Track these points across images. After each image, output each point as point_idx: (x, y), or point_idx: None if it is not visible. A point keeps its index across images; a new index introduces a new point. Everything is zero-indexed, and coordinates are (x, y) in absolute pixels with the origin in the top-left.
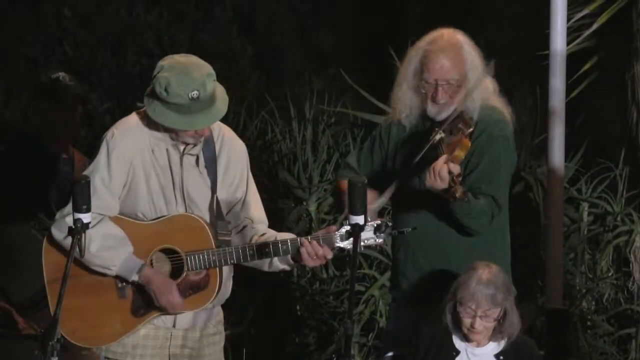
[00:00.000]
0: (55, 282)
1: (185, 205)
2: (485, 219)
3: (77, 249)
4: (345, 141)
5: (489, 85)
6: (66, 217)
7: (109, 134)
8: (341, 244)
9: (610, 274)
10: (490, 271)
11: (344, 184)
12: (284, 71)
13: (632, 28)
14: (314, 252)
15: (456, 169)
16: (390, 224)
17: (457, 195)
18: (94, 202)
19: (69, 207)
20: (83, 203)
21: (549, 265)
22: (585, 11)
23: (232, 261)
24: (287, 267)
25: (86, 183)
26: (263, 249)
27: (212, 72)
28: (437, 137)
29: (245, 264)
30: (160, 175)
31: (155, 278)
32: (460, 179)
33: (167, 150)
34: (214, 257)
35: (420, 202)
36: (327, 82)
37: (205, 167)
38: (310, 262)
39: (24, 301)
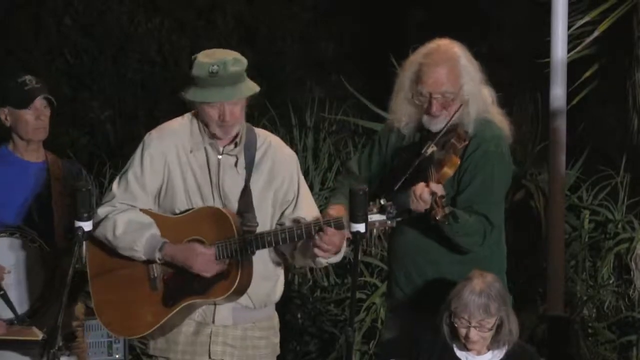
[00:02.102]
0: (97, 277)
1: (222, 203)
2: (476, 237)
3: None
4: (346, 149)
5: (487, 96)
6: (98, 209)
7: (147, 134)
8: (373, 218)
9: (611, 281)
10: (485, 281)
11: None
12: (285, 79)
13: (633, 36)
14: (329, 239)
15: (439, 189)
16: (392, 210)
17: (438, 217)
18: (124, 195)
19: (104, 198)
20: (84, 211)
21: (550, 272)
22: (586, 19)
23: (252, 249)
24: (315, 262)
25: (87, 191)
26: (280, 235)
27: (242, 60)
28: (429, 151)
29: (293, 262)
30: (198, 173)
31: (178, 249)
32: (443, 200)
33: (205, 149)
34: (235, 246)
35: (413, 216)
36: (328, 89)
37: (245, 168)
38: (321, 252)
39: (26, 312)
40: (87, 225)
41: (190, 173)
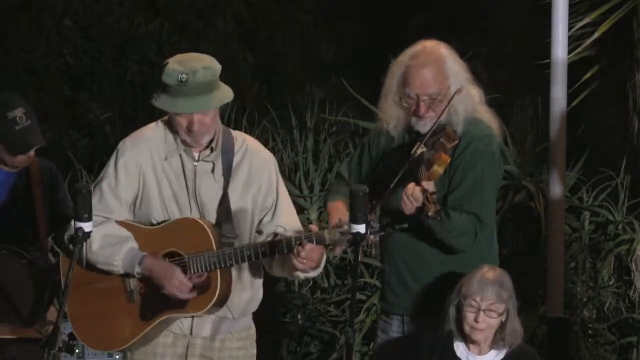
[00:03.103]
0: (73, 290)
1: (200, 212)
2: (467, 237)
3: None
4: (346, 150)
5: (475, 95)
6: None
7: (121, 142)
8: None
9: (611, 283)
10: (496, 270)
11: (332, 206)
12: (285, 80)
13: (633, 37)
14: (308, 255)
15: (430, 186)
16: (375, 224)
17: (430, 213)
18: (98, 206)
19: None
20: (84, 212)
21: (550, 273)
22: (587, 20)
23: (230, 262)
24: (293, 275)
25: (87, 192)
26: (260, 249)
27: (214, 67)
28: (418, 151)
29: (270, 272)
30: (174, 181)
31: (156, 265)
32: (434, 196)
33: (180, 156)
34: (213, 259)
35: (403, 216)
36: (328, 91)
37: (222, 175)
38: (299, 265)
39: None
40: (87, 226)
41: (166, 181)
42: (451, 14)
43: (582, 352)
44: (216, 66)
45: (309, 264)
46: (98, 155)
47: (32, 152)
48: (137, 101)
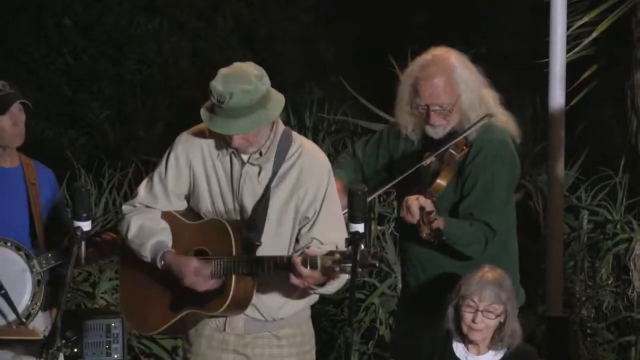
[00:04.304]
0: (125, 268)
1: (240, 213)
2: (476, 246)
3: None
4: (345, 149)
5: (489, 99)
6: (123, 205)
7: (180, 134)
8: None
9: (610, 282)
10: (496, 271)
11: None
12: (285, 80)
13: (631, 36)
14: (299, 273)
15: (427, 204)
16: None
17: (423, 235)
18: (146, 196)
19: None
20: (83, 211)
21: (549, 273)
22: (585, 19)
23: (242, 270)
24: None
25: (86, 191)
26: (262, 263)
27: (254, 90)
28: (428, 161)
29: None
30: (222, 180)
31: (175, 260)
32: (430, 216)
33: (230, 156)
34: (229, 265)
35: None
36: (327, 90)
37: (268, 180)
38: (295, 280)
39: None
40: (85, 225)
41: (215, 178)
42: (450, 13)
43: (581, 351)
44: (259, 88)
45: (306, 283)
46: (97, 154)
47: (20, 123)
48: (136, 101)
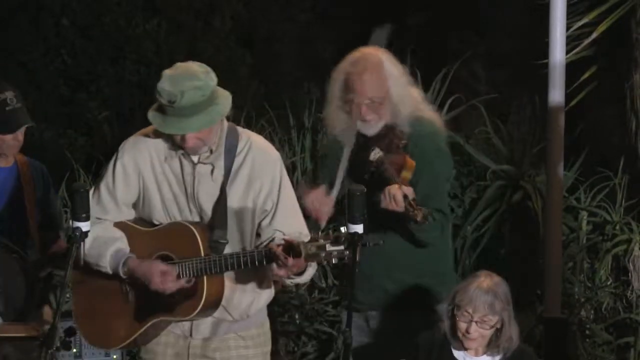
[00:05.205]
0: (78, 285)
1: (199, 215)
2: (436, 232)
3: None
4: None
5: (416, 95)
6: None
7: (123, 142)
8: (330, 248)
9: (609, 283)
10: (492, 280)
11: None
12: (283, 80)
13: (631, 37)
14: (284, 263)
15: (410, 191)
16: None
17: (418, 219)
18: (95, 208)
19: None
20: (82, 212)
21: (548, 274)
22: (585, 20)
23: (215, 270)
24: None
25: (85, 192)
26: (241, 258)
27: (205, 86)
28: (377, 156)
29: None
30: (174, 184)
31: (139, 265)
32: (416, 202)
33: (179, 159)
34: (200, 265)
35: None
36: (326, 90)
37: (222, 177)
38: (278, 271)
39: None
40: (85, 226)
41: (166, 183)
42: (450, 13)
43: (580, 352)
44: (208, 83)
45: (287, 272)
46: (96, 155)
47: (20, 135)
48: (135, 101)
